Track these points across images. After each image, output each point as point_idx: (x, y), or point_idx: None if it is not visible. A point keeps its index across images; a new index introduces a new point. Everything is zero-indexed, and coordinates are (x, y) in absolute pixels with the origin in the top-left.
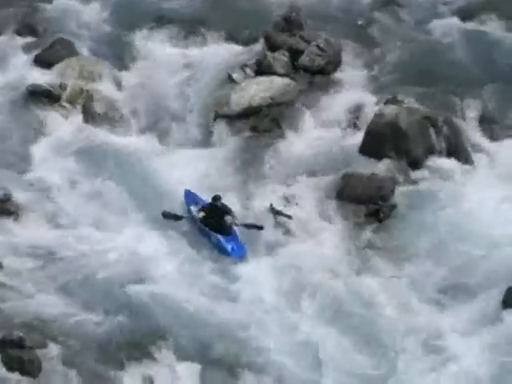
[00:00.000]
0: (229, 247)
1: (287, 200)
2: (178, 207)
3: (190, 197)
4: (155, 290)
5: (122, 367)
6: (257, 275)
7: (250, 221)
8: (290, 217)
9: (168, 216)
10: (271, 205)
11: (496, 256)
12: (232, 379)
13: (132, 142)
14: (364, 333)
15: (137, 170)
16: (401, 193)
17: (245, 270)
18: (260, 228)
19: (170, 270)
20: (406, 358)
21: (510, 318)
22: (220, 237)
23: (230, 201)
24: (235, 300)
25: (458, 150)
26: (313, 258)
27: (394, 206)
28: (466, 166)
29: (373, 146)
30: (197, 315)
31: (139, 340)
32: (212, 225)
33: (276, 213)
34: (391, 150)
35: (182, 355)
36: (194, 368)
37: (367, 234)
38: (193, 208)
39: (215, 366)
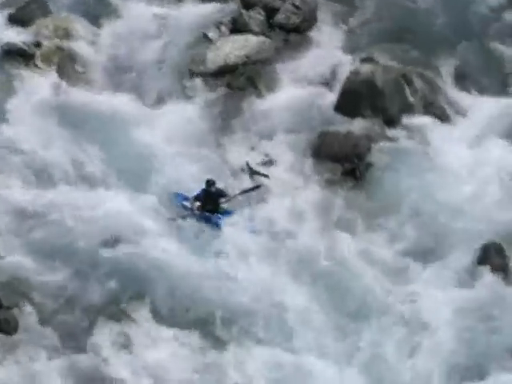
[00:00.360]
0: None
1: (263, 158)
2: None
3: (179, 197)
4: (132, 250)
5: (98, 326)
6: (235, 235)
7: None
8: (266, 175)
9: (173, 219)
10: (247, 163)
11: (472, 213)
12: (208, 338)
13: (107, 100)
14: (338, 291)
15: (113, 129)
16: (377, 151)
17: (224, 230)
18: (258, 187)
19: (148, 230)
20: (378, 318)
21: (484, 275)
22: (220, 216)
23: (207, 159)
24: (214, 260)
25: (433, 108)
26: (289, 216)
27: (369, 164)
28: (442, 123)
29: (349, 105)
30: (175, 275)
31: (116, 299)
32: (209, 210)
33: (252, 171)
34: (367, 108)
35: (160, 315)
36: (171, 327)
37: (343, 191)
38: (185, 203)
39: (192, 325)
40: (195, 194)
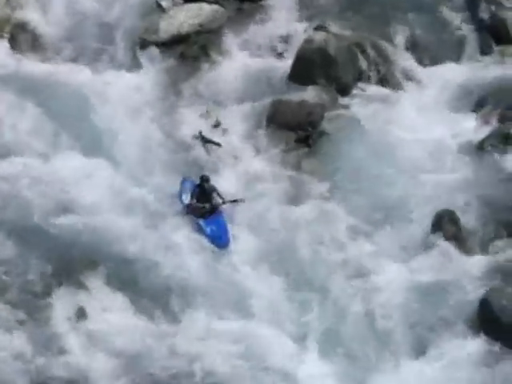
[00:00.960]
0: (207, 229)
1: (216, 126)
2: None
3: (186, 185)
4: (86, 220)
5: (52, 296)
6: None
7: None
8: (218, 144)
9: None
10: (200, 132)
11: (425, 181)
12: (162, 308)
13: (59, 69)
14: (291, 259)
15: (65, 97)
16: (330, 118)
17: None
18: (241, 201)
19: (102, 200)
20: (332, 285)
21: (437, 242)
22: (201, 221)
23: (160, 127)
24: (167, 228)
25: (386, 76)
26: (242, 184)
27: (323, 132)
28: (395, 92)
29: (302, 73)
30: (128, 244)
31: (70, 269)
32: (200, 210)
33: (205, 140)
34: (320, 77)
35: (114, 284)
36: (125, 296)
37: (297, 160)
38: (184, 197)
39: (146, 295)
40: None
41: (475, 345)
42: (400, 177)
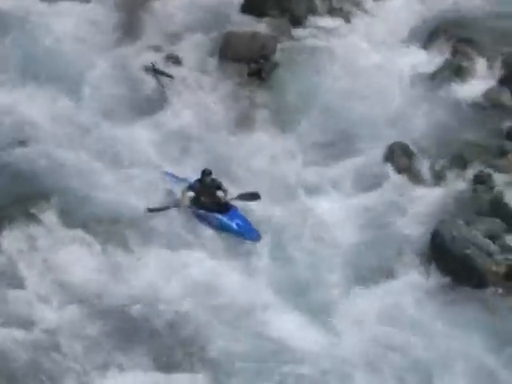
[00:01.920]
0: (233, 224)
1: (168, 59)
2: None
3: (169, 178)
4: (40, 151)
5: (3, 228)
6: (140, 137)
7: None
8: (171, 76)
9: (154, 210)
10: (152, 64)
11: (378, 113)
12: (115, 240)
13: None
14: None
15: (14, 28)
16: (283, 50)
17: (127, 133)
18: (256, 197)
19: (58, 132)
20: (283, 216)
21: (390, 174)
22: (220, 216)
23: (110, 58)
24: (126, 163)
25: (339, 8)
26: (195, 116)
27: (275, 64)
28: (347, 24)
29: (255, 4)
30: (83, 178)
31: (22, 201)
32: (205, 205)
33: (157, 72)
34: (273, 8)
35: (66, 216)
36: (77, 228)
37: (249, 92)
38: (175, 186)
39: (98, 226)
40: (187, 183)
41: (426, 276)
42: (353, 109)
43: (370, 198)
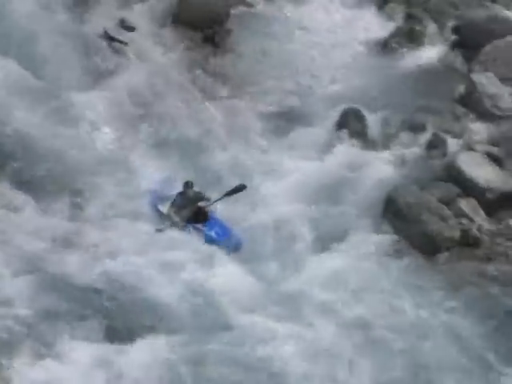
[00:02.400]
0: (212, 233)
1: (121, 25)
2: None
3: (155, 196)
4: None
5: None
6: (95, 104)
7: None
8: (125, 43)
9: (160, 230)
10: (105, 30)
11: (329, 79)
12: (68, 205)
13: None
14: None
15: None
16: (236, 17)
17: (81, 99)
18: (242, 188)
19: (8, 99)
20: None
21: (343, 139)
22: (199, 226)
23: (63, 26)
24: (76, 128)
25: None
26: (148, 81)
27: (229, 31)
28: None
29: None
30: (37, 144)
31: None
32: (188, 217)
33: (110, 38)
34: None
35: (20, 185)
36: (30, 195)
37: (203, 58)
38: (161, 207)
39: (54, 194)
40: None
41: (381, 239)
42: (306, 74)
43: (324, 164)
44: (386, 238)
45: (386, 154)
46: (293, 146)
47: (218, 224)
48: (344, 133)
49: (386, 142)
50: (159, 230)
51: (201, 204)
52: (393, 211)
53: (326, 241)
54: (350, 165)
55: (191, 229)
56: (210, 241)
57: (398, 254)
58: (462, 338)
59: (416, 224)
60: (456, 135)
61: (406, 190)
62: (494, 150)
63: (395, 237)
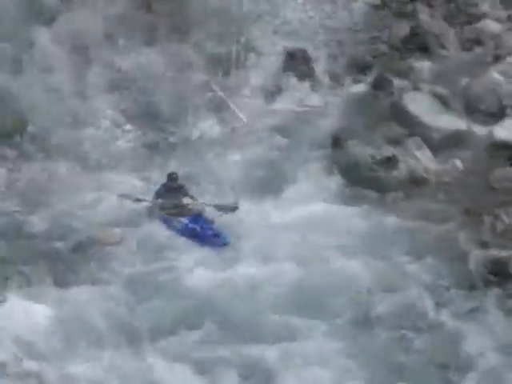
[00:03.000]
0: (197, 227)
1: None
2: None
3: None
4: None
5: None
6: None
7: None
8: None
9: (124, 196)
10: None
11: (274, 16)
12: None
13: None
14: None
15: None
16: None
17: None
18: (234, 209)
19: None
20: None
21: (289, 80)
22: (183, 219)
23: None
24: None
25: None
26: (93, 27)
27: None
28: None
29: None
30: None
31: None
32: (170, 210)
33: None
34: None
35: None
36: None
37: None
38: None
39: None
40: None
41: (331, 183)
42: (250, 16)
43: (271, 107)
44: (336, 180)
45: (332, 94)
46: (238, 86)
47: (202, 220)
48: (291, 75)
49: (332, 82)
50: (122, 196)
51: (186, 201)
52: (340, 153)
53: (274, 185)
54: (297, 106)
55: (166, 218)
56: (192, 235)
57: (348, 195)
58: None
59: (363, 165)
60: (402, 75)
61: (351, 131)
62: (440, 89)
63: (345, 179)
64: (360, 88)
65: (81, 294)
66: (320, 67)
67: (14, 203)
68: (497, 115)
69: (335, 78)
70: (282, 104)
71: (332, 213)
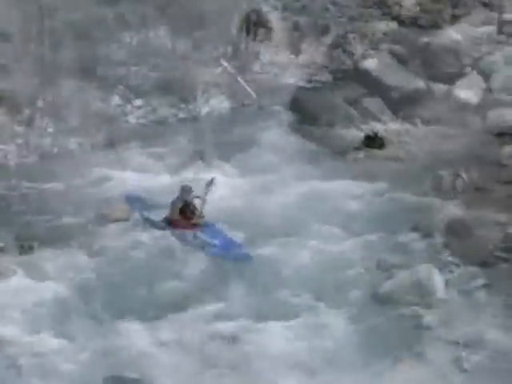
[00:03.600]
0: (215, 241)
1: None
2: None
3: (134, 200)
4: None
5: None
6: None
7: None
8: None
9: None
10: None
11: None
12: None
13: None
14: None
15: None
16: None
17: None
18: (212, 182)
19: None
20: None
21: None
22: (198, 233)
23: None
24: None
25: None
26: None
27: None
28: None
29: None
30: None
31: None
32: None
33: None
34: None
35: None
36: None
37: None
38: (147, 213)
39: None
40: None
41: (293, 143)
42: None
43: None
44: (297, 143)
45: (292, 57)
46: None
47: (218, 232)
48: (249, 37)
49: (292, 45)
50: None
51: (195, 221)
52: (301, 115)
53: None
54: (252, 65)
55: (180, 234)
56: (210, 248)
57: (308, 154)
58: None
59: (323, 125)
60: (362, 35)
61: (312, 91)
62: (399, 49)
63: (305, 138)
64: (320, 47)
65: (89, 270)
66: (278, 28)
67: (24, 179)
68: (456, 74)
69: (294, 40)
70: (239, 62)
71: (293, 169)
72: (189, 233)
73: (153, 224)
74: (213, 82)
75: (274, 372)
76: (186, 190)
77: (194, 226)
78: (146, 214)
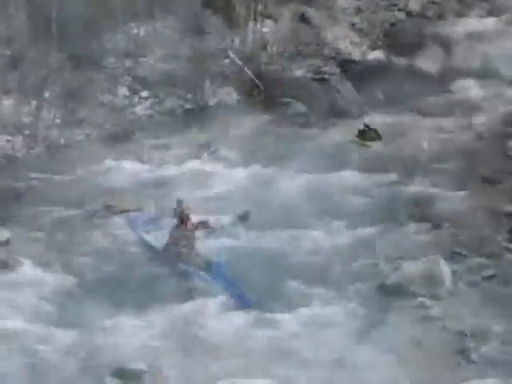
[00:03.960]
0: (221, 286)
1: None
2: None
3: (136, 222)
4: None
5: None
6: None
7: None
8: None
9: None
10: None
11: None
12: None
13: None
14: None
15: None
16: None
17: None
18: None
19: None
20: None
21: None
22: (203, 273)
23: None
24: None
25: None
26: None
27: None
28: None
29: None
30: None
31: None
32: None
33: None
34: None
35: None
36: None
37: None
38: (148, 237)
39: None
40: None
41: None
42: None
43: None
44: (263, 118)
45: (254, 30)
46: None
47: (223, 275)
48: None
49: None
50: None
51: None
52: (263, 88)
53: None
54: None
55: (183, 272)
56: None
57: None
58: None
59: (283, 98)
60: (322, 7)
61: (274, 65)
62: (359, 21)
63: (268, 113)
64: (284, 18)
65: (96, 260)
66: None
67: (31, 170)
68: (416, 46)
69: (256, 12)
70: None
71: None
72: (194, 272)
73: (152, 251)
74: (220, 72)
75: (282, 363)
76: (180, 203)
77: (196, 227)
78: (148, 238)
